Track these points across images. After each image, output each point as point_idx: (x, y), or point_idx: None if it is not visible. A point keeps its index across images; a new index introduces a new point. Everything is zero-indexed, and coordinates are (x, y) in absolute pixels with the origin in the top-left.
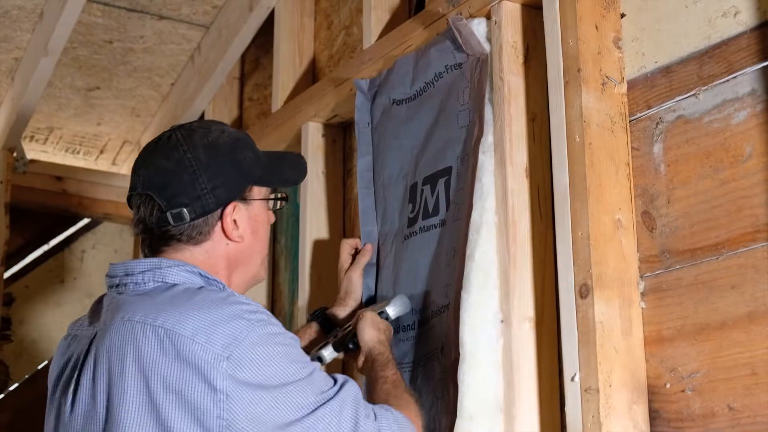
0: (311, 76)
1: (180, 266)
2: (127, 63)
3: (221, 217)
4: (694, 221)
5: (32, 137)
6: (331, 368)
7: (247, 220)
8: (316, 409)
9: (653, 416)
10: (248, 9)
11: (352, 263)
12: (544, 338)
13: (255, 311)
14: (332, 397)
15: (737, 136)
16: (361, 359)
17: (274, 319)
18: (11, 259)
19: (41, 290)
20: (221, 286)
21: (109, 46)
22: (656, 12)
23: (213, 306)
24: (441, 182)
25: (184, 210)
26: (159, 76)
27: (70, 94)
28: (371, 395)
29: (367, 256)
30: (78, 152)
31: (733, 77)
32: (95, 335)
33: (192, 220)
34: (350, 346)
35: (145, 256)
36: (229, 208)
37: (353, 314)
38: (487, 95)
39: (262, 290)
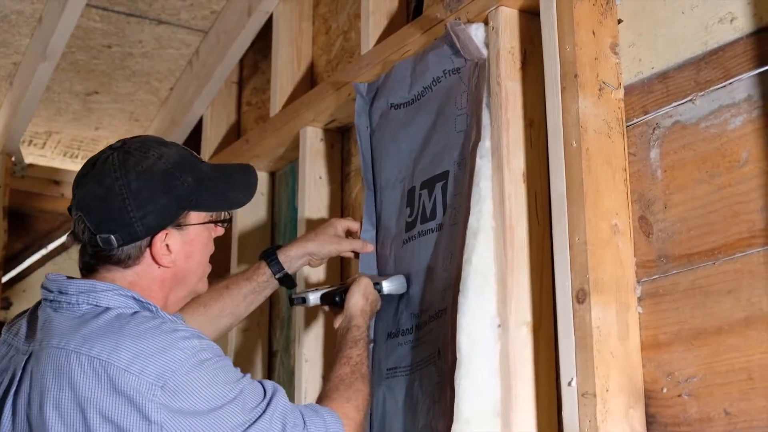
0: (309, 80)
1: (114, 290)
2: (125, 67)
3: (151, 244)
4: (691, 226)
5: (30, 141)
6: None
7: (181, 245)
8: (248, 427)
9: (650, 421)
10: (247, 14)
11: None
12: (541, 343)
13: (187, 337)
14: (262, 413)
15: (734, 141)
16: (338, 321)
17: (205, 342)
18: (9, 263)
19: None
20: (154, 310)
21: (108, 51)
22: (653, 18)
23: (146, 335)
24: (438, 186)
25: (112, 236)
26: (157, 80)
27: (69, 99)
28: (330, 371)
29: (364, 249)
30: (76, 156)
31: (730, 83)
32: (30, 355)
33: (120, 246)
34: (336, 299)
35: (80, 269)
36: (160, 236)
37: (303, 257)
38: (484, 100)
39: None
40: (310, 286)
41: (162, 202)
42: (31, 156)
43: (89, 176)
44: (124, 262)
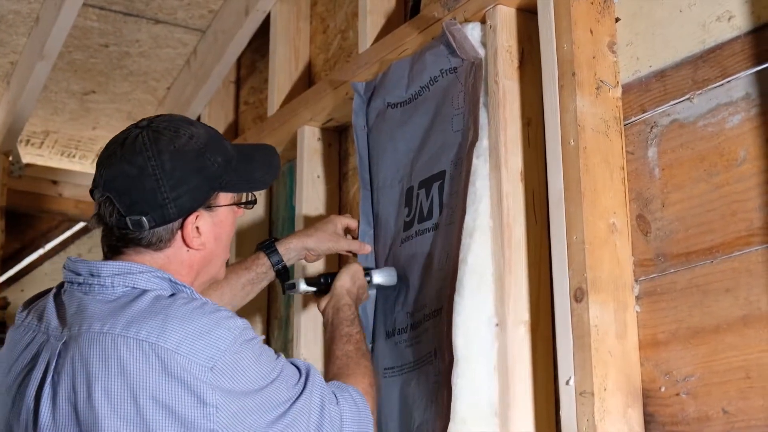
0: (307, 80)
1: (150, 272)
2: (122, 67)
3: (182, 226)
4: (689, 225)
5: (28, 141)
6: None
7: (211, 227)
8: (292, 403)
9: (648, 420)
10: (244, 13)
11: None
12: (539, 342)
13: (230, 317)
14: (303, 389)
15: (731, 140)
16: (323, 302)
17: (245, 322)
18: (7, 262)
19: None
20: (189, 292)
21: (105, 50)
22: (651, 16)
23: (192, 316)
24: (435, 186)
25: (144, 218)
26: (155, 80)
27: (66, 98)
28: (332, 349)
29: (362, 250)
30: (74, 156)
31: (728, 81)
32: (65, 341)
33: (151, 228)
34: (322, 281)
35: (105, 253)
36: (191, 218)
37: (301, 251)
38: (481, 99)
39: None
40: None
41: (195, 183)
42: (28, 155)
43: (118, 156)
44: (155, 245)
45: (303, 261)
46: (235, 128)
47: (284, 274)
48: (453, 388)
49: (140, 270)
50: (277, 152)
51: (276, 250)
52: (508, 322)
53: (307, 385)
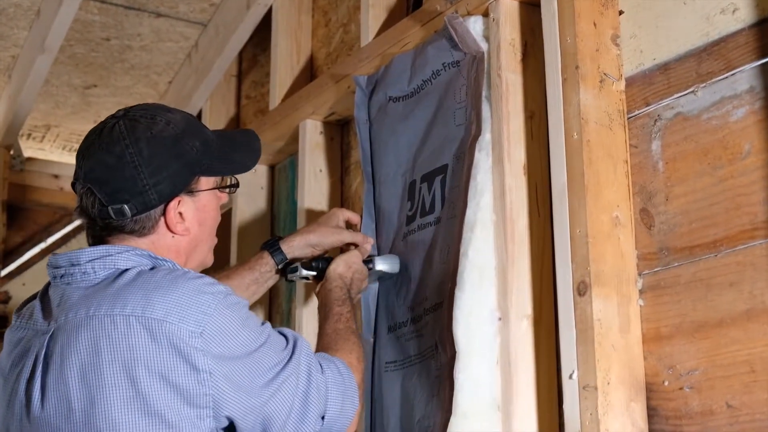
0: (309, 73)
1: (130, 251)
2: (124, 61)
3: (165, 212)
4: (693, 218)
5: (29, 135)
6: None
7: (194, 212)
8: (282, 368)
9: (651, 414)
10: (246, 6)
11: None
12: (542, 336)
13: (212, 283)
14: (291, 355)
15: (736, 133)
16: (318, 287)
17: (227, 288)
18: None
19: (38, 288)
20: (171, 265)
21: (107, 44)
22: (654, 9)
23: (174, 285)
24: (437, 180)
25: (125, 206)
26: (156, 73)
27: (67, 92)
28: (323, 327)
29: (365, 242)
30: (75, 150)
31: (732, 74)
32: (53, 333)
33: (133, 215)
34: (320, 266)
35: (90, 245)
36: (173, 203)
37: (306, 248)
38: (484, 93)
39: None
40: None
41: (174, 168)
42: (29, 149)
43: (96, 146)
44: (138, 232)
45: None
46: (236, 122)
47: (278, 254)
48: (455, 382)
49: (118, 250)
50: (258, 137)
51: (280, 248)
52: (510, 316)
53: (295, 351)
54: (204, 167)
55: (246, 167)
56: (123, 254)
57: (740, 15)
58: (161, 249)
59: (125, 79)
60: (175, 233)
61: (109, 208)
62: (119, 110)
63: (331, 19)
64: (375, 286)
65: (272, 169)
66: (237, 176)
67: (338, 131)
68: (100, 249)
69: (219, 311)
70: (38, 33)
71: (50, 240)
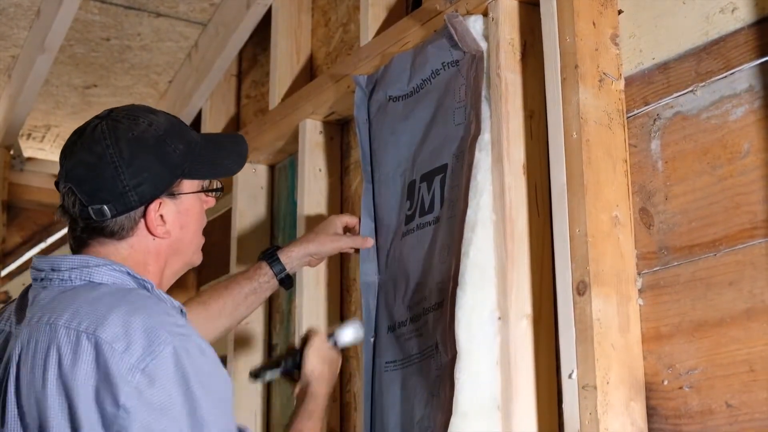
0: (309, 73)
1: (108, 265)
2: (124, 60)
3: (145, 214)
4: (692, 218)
5: (29, 135)
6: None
7: (175, 215)
8: None
9: (651, 413)
10: (245, 6)
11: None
12: (541, 335)
13: (181, 325)
14: None
15: (735, 132)
16: (297, 389)
17: (199, 338)
18: (8, 257)
19: None
20: (150, 287)
21: (107, 44)
22: (654, 8)
23: (137, 312)
24: (437, 180)
25: (105, 207)
26: (156, 73)
27: (67, 92)
28: (293, 423)
29: (364, 244)
30: None
31: (731, 73)
32: (20, 334)
33: (113, 216)
34: (294, 370)
35: (71, 246)
36: (154, 205)
37: (305, 257)
38: (483, 92)
39: None
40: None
41: (155, 170)
42: (29, 149)
43: (77, 145)
44: (118, 234)
45: (307, 266)
46: (236, 122)
47: (287, 282)
48: (455, 382)
49: (97, 263)
50: (246, 141)
51: (278, 258)
52: (510, 316)
53: None
54: (187, 170)
55: (231, 171)
56: (101, 268)
57: (739, 14)
58: (140, 252)
59: (125, 79)
60: (155, 236)
61: (90, 208)
62: (104, 111)
63: (330, 19)
64: (375, 286)
65: (272, 168)
66: (239, 174)
67: (338, 131)
68: (80, 259)
69: (168, 353)
70: (38, 33)
71: (50, 240)
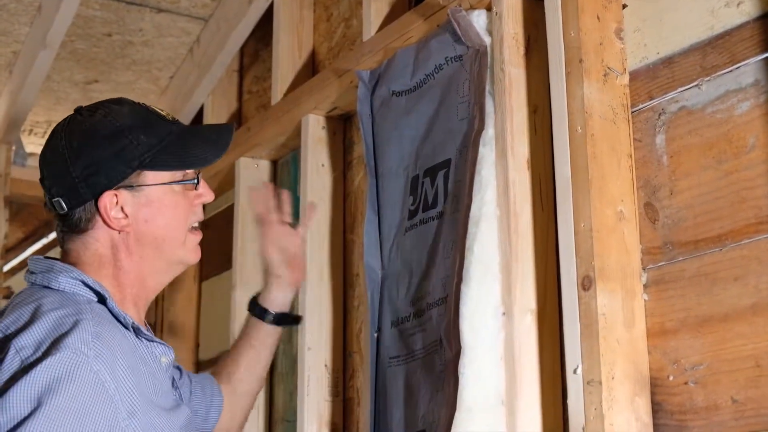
0: (311, 68)
1: (67, 273)
2: (125, 56)
3: (98, 207)
4: (697, 213)
5: (31, 131)
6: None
7: (137, 208)
8: None
9: (656, 409)
10: (247, 1)
11: (265, 231)
12: (546, 330)
13: (83, 353)
14: None
15: (740, 126)
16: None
17: (96, 379)
18: (10, 252)
19: None
20: (106, 296)
21: (108, 39)
22: (658, 3)
23: (55, 327)
24: (440, 174)
25: (61, 200)
26: (158, 69)
27: (69, 88)
28: None
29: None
30: None
31: (736, 68)
32: None
33: (70, 209)
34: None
35: (59, 243)
36: (108, 198)
37: (284, 290)
38: (487, 87)
39: (259, 284)
40: None
41: (107, 162)
42: (31, 145)
43: (46, 141)
44: (78, 227)
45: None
46: (238, 117)
47: (289, 319)
48: (460, 377)
49: (60, 269)
50: (231, 131)
51: (263, 308)
52: (514, 311)
53: None
54: (146, 162)
55: (204, 162)
56: (61, 275)
57: (745, 8)
58: (107, 247)
59: (127, 75)
60: (113, 228)
61: (52, 201)
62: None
63: (332, 14)
64: (378, 280)
65: (274, 164)
66: (242, 169)
67: (340, 126)
68: (48, 263)
69: (55, 361)
70: (39, 28)
71: (52, 236)
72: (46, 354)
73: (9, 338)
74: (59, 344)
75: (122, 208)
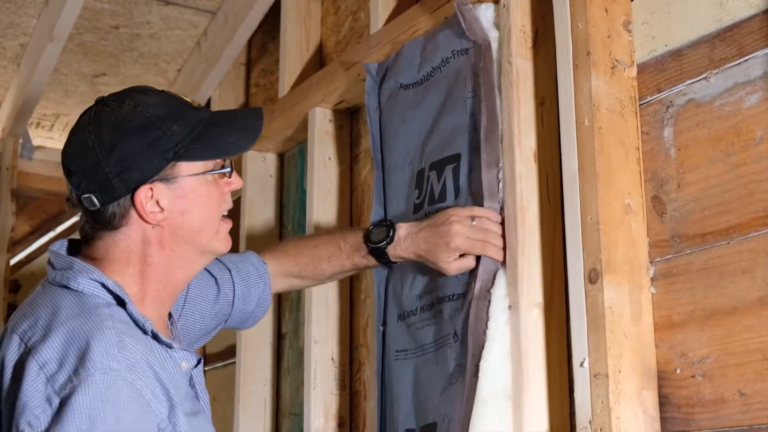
0: (318, 61)
1: (87, 273)
2: (133, 49)
3: (135, 201)
4: (705, 206)
5: (38, 124)
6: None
7: (173, 201)
8: None
9: (663, 402)
10: None
11: None
12: (552, 324)
13: (113, 369)
14: None
15: (749, 119)
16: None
17: (132, 373)
18: (17, 245)
19: None
20: (126, 301)
21: (116, 32)
22: None
23: (75, 338)
24: (449, 169)
25: (93, 196)
26: (165, 62)
27: (77, 81)
28: None
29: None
30: None
31: (745, 60)
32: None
33: (102, 205)
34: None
35: (82, 239)
36: (143, 192)
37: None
38: (496, 83)
39: None
40: None
41: (141, 155)
42: (39, 138)
43: (69, 135)
44: (111, 224)
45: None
46: None
47: (383, 261)
48: (479, 370)
49: (80, 269)
50: (261, 115)
51: (388, 257)
52: (521, 305)
53: None
54: (180, 152)
55: (238, 149)
56: (80, 275)
57: (754, 0)
58: (139, 243)
59: (134, 68)
60: (149, 223)
61: (81, 197)
62: (99, 96)
63: (340, 7)
64: (384, 274)
65: (281, 157)
66: (248, 162)
67: (348, 119)
68: (69, 260)
69: (90, 387)
70: (47, 21)
71: (59, 229)
72: (76, 377)
73: (29, 349)
74: (86, 363)
75: (158, 202)
